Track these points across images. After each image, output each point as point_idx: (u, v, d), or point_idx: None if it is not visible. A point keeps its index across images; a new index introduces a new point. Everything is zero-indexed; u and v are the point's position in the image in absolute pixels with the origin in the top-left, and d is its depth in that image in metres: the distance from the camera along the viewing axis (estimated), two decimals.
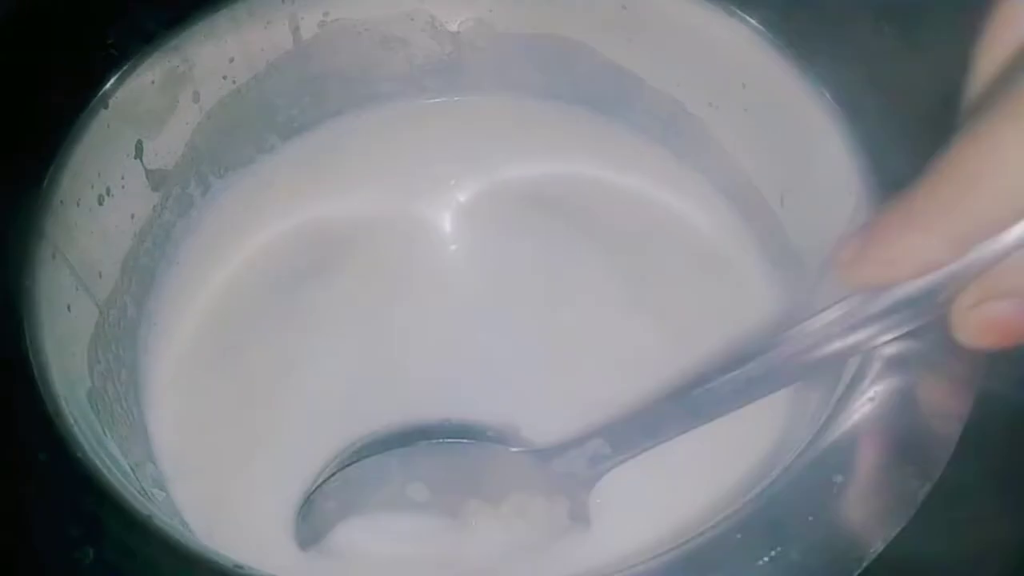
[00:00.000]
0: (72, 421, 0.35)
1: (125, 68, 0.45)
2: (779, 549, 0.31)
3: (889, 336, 0.29)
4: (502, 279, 0.52)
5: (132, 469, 0.40)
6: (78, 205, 0.43)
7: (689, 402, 0.35)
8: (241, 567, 0.32)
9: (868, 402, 0.35)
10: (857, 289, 0.29)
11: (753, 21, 0.47)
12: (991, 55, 0.28)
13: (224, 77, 0.50)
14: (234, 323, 0.50)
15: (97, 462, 0.34)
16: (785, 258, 0.50)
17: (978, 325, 0.27)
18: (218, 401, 0.48)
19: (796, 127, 0.47)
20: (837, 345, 0.31)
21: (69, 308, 0.42)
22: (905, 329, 0.29)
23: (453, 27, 0.54)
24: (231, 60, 0.50)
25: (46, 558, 0.31)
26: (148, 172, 0.48)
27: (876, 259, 0.27)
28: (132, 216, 0.48)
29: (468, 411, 0.46)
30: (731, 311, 0.50)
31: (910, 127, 0.42)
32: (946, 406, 0.34)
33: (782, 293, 0.50)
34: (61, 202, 0.42)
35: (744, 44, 0.48)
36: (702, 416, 0.35)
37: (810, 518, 0.32)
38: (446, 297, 0.51)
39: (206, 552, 0.32)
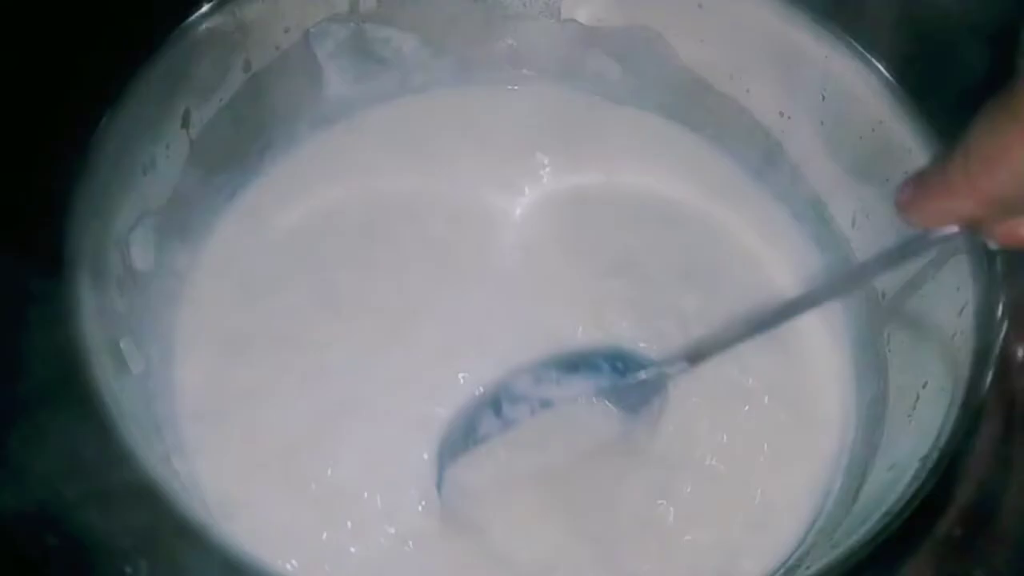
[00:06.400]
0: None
1: (179, 30, 0.43)
2: None
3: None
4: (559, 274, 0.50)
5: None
6: (123, 168, 0.41)
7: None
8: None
9: None
10: (910, 224, 0.37)
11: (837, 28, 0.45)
12: None
13: (277, 48, 0.48)
14: (270, 295, 0.48)
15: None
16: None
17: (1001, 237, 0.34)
18: (250, 370, 0.45)
19: (878, 146, 0.45)
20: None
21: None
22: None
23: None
24: (286, 30, 0.47)
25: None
26: (192, 143, 0.45)
27: (922, 209, 0.35)
28: (174, 184, 0.45)
29: None
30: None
31: None
32: None
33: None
34: (110, 162, 0.40)
35: (827, 52, 0.46)
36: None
37: None
38: (498, 279, 0.49)
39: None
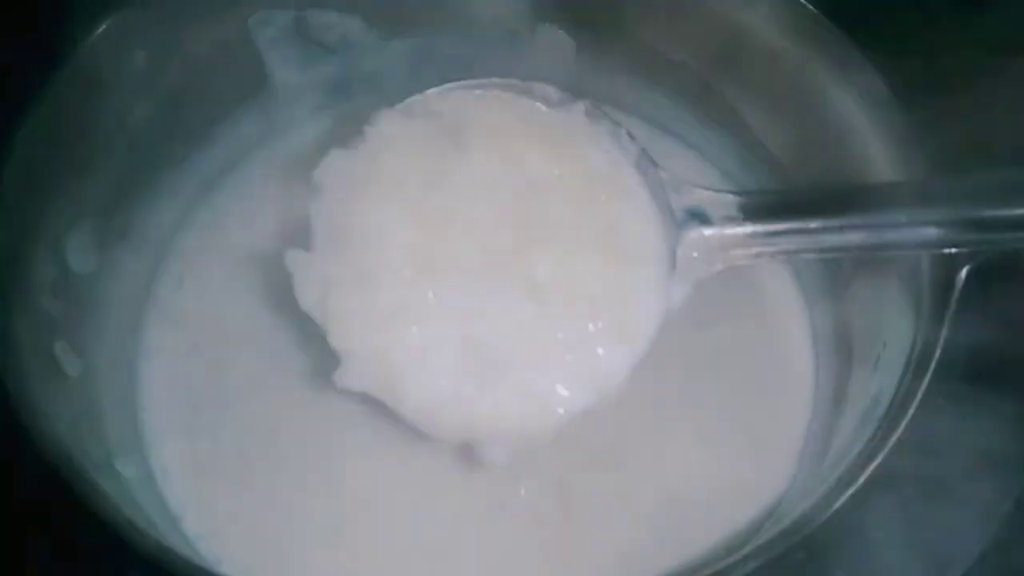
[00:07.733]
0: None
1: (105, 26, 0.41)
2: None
3: None
4: None
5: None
6: (53, 169, 0.40)
7: None
8: None
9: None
10: None
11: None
12: None
13: (215, 40, 0.46)
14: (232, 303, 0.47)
15: None
16: None
17: None
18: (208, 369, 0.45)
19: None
20: None
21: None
22: None
23: None
24: (224, 21, 0.46)
25: None
26: (131, 141, 0.44)
27: None
28: (114, 185, 0.44)
29: None
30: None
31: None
32: None
33: None
34: (36, 163, 0.38)
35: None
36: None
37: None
38: None
39: None
